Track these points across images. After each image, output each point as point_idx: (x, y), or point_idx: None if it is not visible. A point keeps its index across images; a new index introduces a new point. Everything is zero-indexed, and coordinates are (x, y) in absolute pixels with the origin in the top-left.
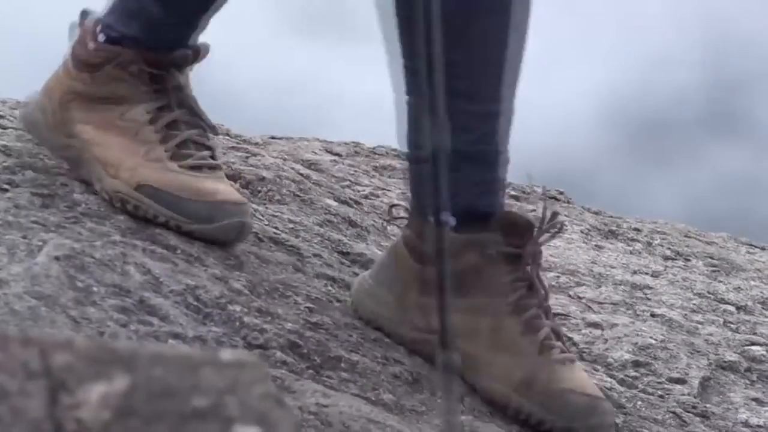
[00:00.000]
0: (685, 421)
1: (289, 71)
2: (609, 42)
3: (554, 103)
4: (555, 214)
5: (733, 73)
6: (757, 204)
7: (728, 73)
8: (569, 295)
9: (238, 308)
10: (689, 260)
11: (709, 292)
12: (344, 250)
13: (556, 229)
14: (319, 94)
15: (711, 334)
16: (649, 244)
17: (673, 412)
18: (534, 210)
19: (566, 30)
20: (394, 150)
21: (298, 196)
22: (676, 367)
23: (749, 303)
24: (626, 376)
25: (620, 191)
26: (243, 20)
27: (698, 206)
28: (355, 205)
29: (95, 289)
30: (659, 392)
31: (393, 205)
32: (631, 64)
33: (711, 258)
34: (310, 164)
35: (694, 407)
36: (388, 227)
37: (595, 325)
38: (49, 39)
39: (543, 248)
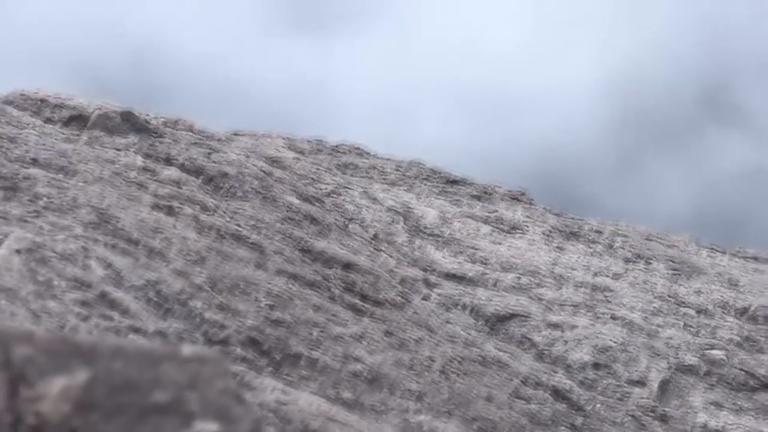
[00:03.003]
0: (643, 424)
1: (268, 68)
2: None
3: (553, 95)
4: None
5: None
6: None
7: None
8: (530, 296)
9: (199, 304)
10: (650, 262)
11: (669, 295)
12: (306, 248)
13: None
14: (293, 90)
15: (671, 337)
16: (611, 246)
17: (632, 415)
18: (496, 211)
19: (563, 17)
20: (357, 148)
21: (260, 192)
22: (636, 370)
23: (710, 306)
24: (585, 378)
25: (618, 183)
26: (230, 16)
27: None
28: (317, 203)
29: (56, 282)
30: (618, 394)
31: None
32: (631, 50)
33: (672, 261)
34: (273, 161)
35: (653, 410)
36: (350, 225)
37: (555, 326)
38: (24, 31)
39: (504, 249)
